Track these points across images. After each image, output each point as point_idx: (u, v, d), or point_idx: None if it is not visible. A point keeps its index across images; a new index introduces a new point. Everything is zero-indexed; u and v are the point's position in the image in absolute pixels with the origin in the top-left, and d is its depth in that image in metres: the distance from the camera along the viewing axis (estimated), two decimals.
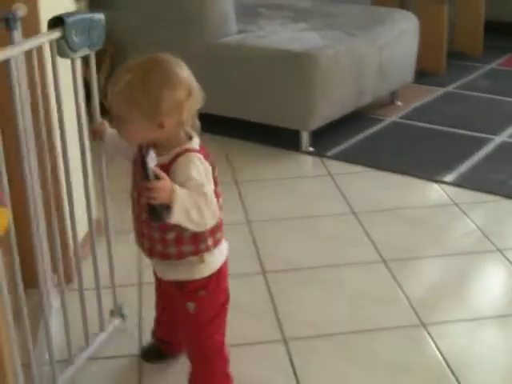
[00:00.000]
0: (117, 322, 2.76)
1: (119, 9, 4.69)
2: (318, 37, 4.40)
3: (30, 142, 2.41)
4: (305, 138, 4.31)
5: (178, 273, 2.16)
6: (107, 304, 2.76)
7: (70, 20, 2.24)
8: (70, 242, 2.96)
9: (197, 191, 1.93)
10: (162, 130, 1.97)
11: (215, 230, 2.12)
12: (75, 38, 2.26)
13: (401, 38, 4.83)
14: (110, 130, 2.33)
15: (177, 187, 1.89)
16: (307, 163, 4.22)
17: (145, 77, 1.93)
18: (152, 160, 1.88)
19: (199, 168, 1.99)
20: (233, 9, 4.53)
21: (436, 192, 3.81)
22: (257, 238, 3.34)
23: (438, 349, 2.60)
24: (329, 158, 4.22)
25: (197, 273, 2.15)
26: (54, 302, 2.76)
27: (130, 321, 2.78)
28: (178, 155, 2.00)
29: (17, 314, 2.20)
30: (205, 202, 1.94)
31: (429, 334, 2.68)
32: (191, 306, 2.18)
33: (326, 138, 4.42)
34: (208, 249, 2.12)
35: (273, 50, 4.24)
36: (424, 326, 2.72)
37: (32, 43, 2.16)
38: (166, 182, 1.87)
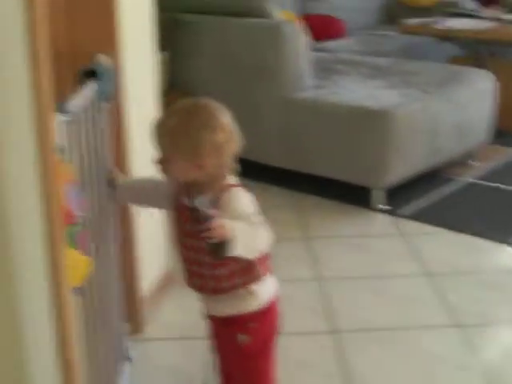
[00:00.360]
0: None
1: (199, 60, 4.76)
2: (393, 94, 4.40)
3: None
4: (377, 195, 4.29)
5: (228, 307, 2.18)
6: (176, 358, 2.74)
7: (100, 70, 2.29)
8: (142, 292, 2.99)
9: (247, 222, 1.99)
10: (202, 170, 2.05)
11: (264, 259, 2.15)
12: (104, 89, 2.32)
13: (478, 98, 4.80)
14: (125, 180, 2.44)
15: (231, 222, 1.94)
16: (380, 221, 4.19)
17: (187, 121, 2.05)
18: (201, 203, 1.95)
19: (245, 200, 2.07)
20: (309, 64, 4.56)
21: (510, 255, 3.75)
22: (328, 295, 3.32)
23: None
24: (402, 216, 4.19)
25: (248, 306, 2.17)
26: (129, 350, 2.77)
27: (199, 374, 2.77)
28: (222, 191, 2.07)
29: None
30: (256, 230, 2.01)
31: None
32: (242, 338, 2.19)
33: (400, 197, 4.39)
34: (258, 278, 2.15)
35: (348, 107, 4.25)
36: None
37: (84, 93, 2.20)
38: (219, 220, 1.92)
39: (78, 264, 1.88)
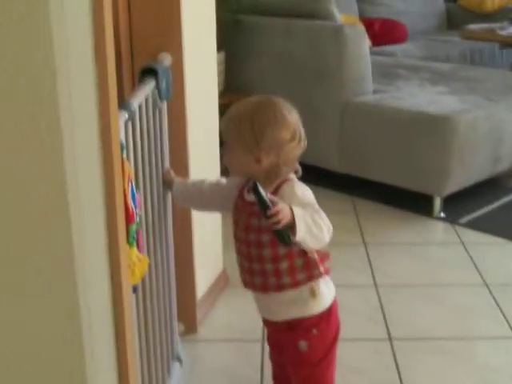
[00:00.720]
0: None
1: (258, 61, 4.76)
2: (456, 101, 4.34)
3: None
4: (437, 203, 4.23)
5: (291, 311, 2.16)
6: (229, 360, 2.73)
7: (161, 69, 2.28)
8: (197, 292, 2.99)
9: (310, 209, 2.01)
10: (259, 165, 2.06)
11: (324, 258, 2.15)
12: (163, 88, 2.30)
13: None
14: (180, 180, 2.44)
15: (293, 207, 1.95)
16: (438, 229, 4.13)
17: (254, 112, 2.06)
18: (262, 189, 1.95)
19: (305, 190, 2.09)
20: (369, 68, 4.52)
21: None
22: (384, 302, 3.27)
23: None
24: (461, 225, 4.12)
25: (310, 309, 2.15)
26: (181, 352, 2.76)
27: (252, 376, 2.75)
28: (280, 184, 2.10)
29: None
30: (319, 217, 2.01)
31: None
32: (303, 344, 2.17)
33: (459, 205, 4.32)
34: (320, 275, 2.13)
35: (409, 112, 4.20)
36: None
37: (145, 91, 2.20)
38: (282, 203, 1.94)
39: (136, 262, 1.88)
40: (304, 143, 2.10)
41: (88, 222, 1.57)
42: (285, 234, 1.97)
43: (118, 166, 1.68)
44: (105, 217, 1.68)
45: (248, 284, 2.21)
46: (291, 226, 1.94)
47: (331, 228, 2.05)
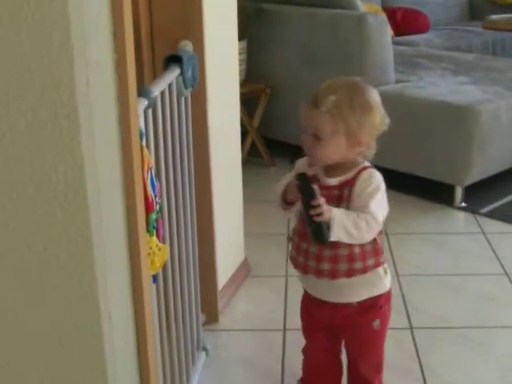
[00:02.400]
0: None
1: (279, 50, 4.76)
2: (478, 91, 4.32)
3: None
4: (458, 193, 4.21)
5: (370, 290, 2.23)
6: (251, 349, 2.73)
7: (186, 57, 2.28)
8: (219, 281, 2.99)
9: (366, 204, 2.08)
10: (356, 149, 2.12)
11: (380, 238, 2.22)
12: (189, 75, 2.30)
13: None
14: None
15: (333, 208, 2.04)
16: (460, 219, 4.12)
17: (352, 97, 2.07)
18: (310, 178, 2.04)
19: (380, 182, 2.15)
20: (392, 57, 4.51)
21: None
22: (405, 291, 3.27)
23: None
24: (482, 215, 4.11)
25: (384, 285, 2.26)
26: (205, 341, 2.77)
27: (274, 366, 2.75)
28: (361, 170, 2.15)
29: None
30: (364, 219, 2.07)
31: None
32: (376, 323, 2.27)
33: (480, 195, 4.30)
34: (385, 260, 2.23)
35: (432, 102, 4.18)
36: None
37: (167, 79, 2.19)
38: (323, 201, 2.02)
39: (156, 251, 1.88)
40: (386, 124, 2.17)
41: (106, 210, 1.57)
42: (320, 230, 2.03)
43: (137, 153, 1.68)
44: (124, 205, 1.68)
45: (311, 271, 2.20)
46: (328, 225, 2.02)
47: (377, 229, 2.12)
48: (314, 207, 2.01)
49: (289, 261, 2.31)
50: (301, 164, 2.25)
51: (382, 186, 2.15)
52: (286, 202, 2.21)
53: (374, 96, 2.12)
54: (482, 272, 3.48)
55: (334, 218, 2.03)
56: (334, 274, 2.16)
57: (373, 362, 2.38)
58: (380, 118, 2.12)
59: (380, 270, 2.22)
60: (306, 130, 2.11)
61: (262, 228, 3.67)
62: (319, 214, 2.01)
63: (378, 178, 2.15)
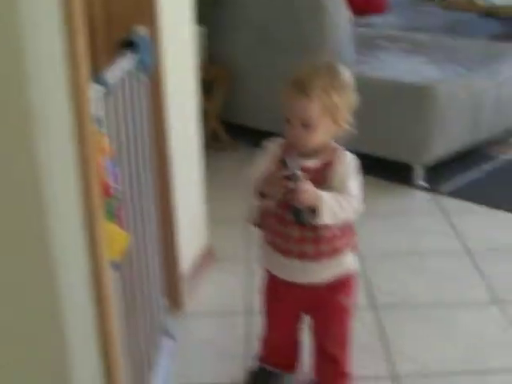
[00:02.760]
0: None
1: (238, 34, 4.74)
2: (436, 70, 4.35)
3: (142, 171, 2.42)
4: (418, 172, 4.25)
5: (342, 269, 2.28)
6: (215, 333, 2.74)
7: (141, 42, 2.27)
8: (182, 267, 3.00)
9: (346, 185, 2.15)
10: (337, 130, 2.16)
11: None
12: (144, 60, 2.30)
13: None
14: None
15: (322, 192, 2.07)
16: (420, 198, 4.15)
17: (333, 79, 2.11)
18: (295, 163, 2.05)
19: (354, 166, 2.20)
20: (350, 38, 4.52)
21: None
22: (368, 272, 3.30)
23: None
24: (442, 194, 4.15)
25: (353, 263, 2.33)
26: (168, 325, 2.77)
27: (238, 349, 2.77)
28: (339, 151, 2.20)
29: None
30: (349, 201, 2.14)
31: None
32: (346, 300, 2.34)
33: (440, 174, 4.34)
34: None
35: (390, 82, 4.21)
36: None
37: (123, 65, 2.18)
38: (307, 185, 2.06)
39: (116, 238, 1.88)
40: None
41: (61, 198, 1.56)
42: (302, 214, 2.08)
43: (91, 140, 1.67)
44: (80, 192, 1.67)
45: (293, 254, 2.24)
46: (314, 210, 2.06)
47: (358, 209, 2.20)
48: (302, 192, 2.05)
49: (266, 245, 2.32)
50: (273, 147, 2.26)
51: (358, 166, 2.21)
52: (262, 195, 2.21)
53: (348, 75, 2.17)
54: (443, 250, 3.52)
55: (323, 203, 2.07)
56: (317, 256, 2.21)
57: (341, 339, 2.42)
58: (354, 96, 2.18)
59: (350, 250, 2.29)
60: (292, 119, 2.12)
61: (225, 212, 3.67)
62: (298, 200, 2.05)
63: (354, 159, 2.21)
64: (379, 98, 4.24)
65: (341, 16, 4.43)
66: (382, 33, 5.44)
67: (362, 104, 4.23)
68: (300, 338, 2.52)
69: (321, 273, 2.27)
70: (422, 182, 4.26)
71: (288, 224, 2.18)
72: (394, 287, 3.19)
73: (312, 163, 2.16)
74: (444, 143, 4.24)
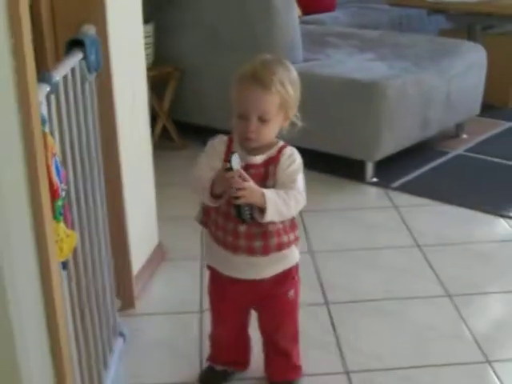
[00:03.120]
0: None
1: (187, 33, 4.72)
2: (385, 67, 4.38)
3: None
4: (369, 168, 4.28)
5: (285, 263, 2.30)
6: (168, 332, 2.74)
7: (88, 40, 2.25)
8: (133, 266, 2.98)
9: (291, 181, 2.15)
10: (285, 124, 2.17)
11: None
12: (92, 59, 2.28)
13: (469, 70, 4.77)
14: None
15: (265, 190, 2.08)
16: (371, 194, 4.18)
17: (287, 74, 2.13)
18: (238, 160, 2.04)
19: (299, 162, 2.19)
20: (300, 36, 4.53)
21: (501, 226, 3.75)
22: (320, 268, 3.31)
23: None
24: (393, 189, 4.18)
25: (296, 256, 2.34)
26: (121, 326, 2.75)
27: (192, 348, 2.76)
28: (283, 148, 2.20)
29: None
30: (292, 197, 2.14)
31: (494, 371, 2.62)
32: (291, 293, 2.36)
33: (391, 169, 4.38)
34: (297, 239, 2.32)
35: (340, 79, 4.23)
36: (489, 362, 2.66)
37: (70, 63, 2.15)
38: (253, 185, 2.06)
39: (64, 238, 1.86)
40: None
41: (9, 198, 1.54)
42: (243, 212, 2.09)
43: (39, 140, 1.65)
44: (28, 193, 1.65)
45: (242, 249, 2.23)
46: (259, 208, 2.08)
47: (303, 204, 2.19)
48: (243, 189, 2.05)
49: (212, 242, 2.31)
50: (218, 145, 2.25)
51: (301, 161, 2.21)
52: (214, 196, 2.19)
53: (295, 71, 2.19)
54: (395, 245, 3.55)
55: (266, 200, 2.07)
56: (266, 250, 2.21)
57: (290, 331, 2.44)
58: (300, 92, 2.19)
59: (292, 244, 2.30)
60: (248, 114, 2.10)
61: (175, 211, 3.66)
62: (236, 198, 2.06)
63: (298, 154, 2.21)
64: (329, 96, 4.25)
65: (290, 14, 4.44)
66: (331, 30, 5.46)
67: (312, 102, 4.28)
68: (249, 334, 2.53)
69: (268, 268, 2.28)
70: (373, 178, 4.28)
71: (234, 220, 2.18)
72: (346, 282, 3.20)
73: (257, 159, 2.17)
74: (394, 139, 4.27)
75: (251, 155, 2.17)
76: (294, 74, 2.17)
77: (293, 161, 2.18)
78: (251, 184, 2.07)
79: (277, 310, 2.39)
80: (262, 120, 2.10)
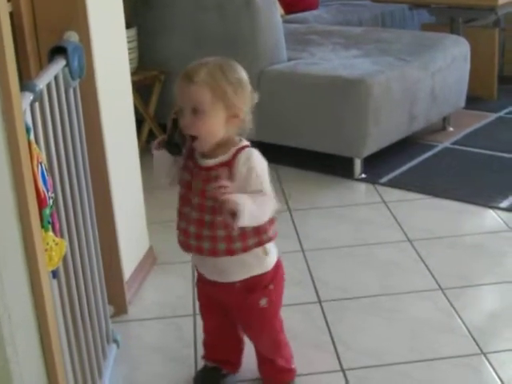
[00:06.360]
0: None
1: (170, 36, 4.72)
2: (369, 63, 4.38)
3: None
4: (357, 165, 4.28)
5: (248, 270, 2.25)
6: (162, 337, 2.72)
7: (71, 47, 2.24)
8: (124, 272, 2.97)
9: (259, 188, 2.10)
10: (233, 122, 2.11)
11: (273, 221, 2.24)
12: (75, 66, 2.27)
13: (452, 64, 4.78)
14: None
15: (240, 197, 2.02)
16: (360, 190, 4.18)
17: (223, 69, 2.10)
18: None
19: (262, 163, 2.15)
20: (283, 36, 4.52)
21: (491, 218, 3.75)
22: (312, 266, 3.31)
23: (499, 378, 2.54)
24: (382, 184, 4.18)
25: (265, 266, 2.28)
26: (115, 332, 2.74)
27: (186, 352, 2.75)
28: (239, 151, 2.14)
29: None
30: (265, 202, 2.11)
31: (489, 362, 2.62)
32: (263, 302, 2.29)
33: (379, 165, 4.38)
34: (270, 239, 2.25)
35: (324, 77, 4.23)
36: (484, 354, 2.67)
37: (53, 71, 2.13)
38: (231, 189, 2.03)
39: (53, 246, 1.85)
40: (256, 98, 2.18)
41: None
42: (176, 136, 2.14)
43: (24, 149, 1.64)
44: (15, 202, 1.64)
45: (192, 249, 2.24)
46: (234, 214, 2.02)
47: (276, 207, 2.17)
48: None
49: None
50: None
51: (264, 162, 2.17)
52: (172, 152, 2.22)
53: (243, 71, 2.17)
54: (386, 240, 3.55)
55: (240, 207, 2.01)
56: (230, 252, 2.18)
57: (267, 340, 2.43)
58: (251, 91, 2.15)
59: (258, 250, 2.23)
60: (183, 108, 2.11)
61: (165, 215, 3.62)
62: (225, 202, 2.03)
63: (258, 156, 2.16)
64: (315, 94, 4.25)
65: (272, 14, 4.44)
66: (315, 28, 5.45)
67: (298, 100, 4.28)
68: (240, 336, 2.52)
69: (233, 272, 2.25)
70: (361, 174, 4.29)
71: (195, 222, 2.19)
72: (338, 280, 3.20)
73: (210, 161, 2.15)
74: (381, 134, 4.27)
75: (205, 158, 2.16)
76: (240, 74, 2.14)
77: (251, 168, 2.11)
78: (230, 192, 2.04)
79: (247, 319, 2.37)
80: (195, 112, 2.08)
